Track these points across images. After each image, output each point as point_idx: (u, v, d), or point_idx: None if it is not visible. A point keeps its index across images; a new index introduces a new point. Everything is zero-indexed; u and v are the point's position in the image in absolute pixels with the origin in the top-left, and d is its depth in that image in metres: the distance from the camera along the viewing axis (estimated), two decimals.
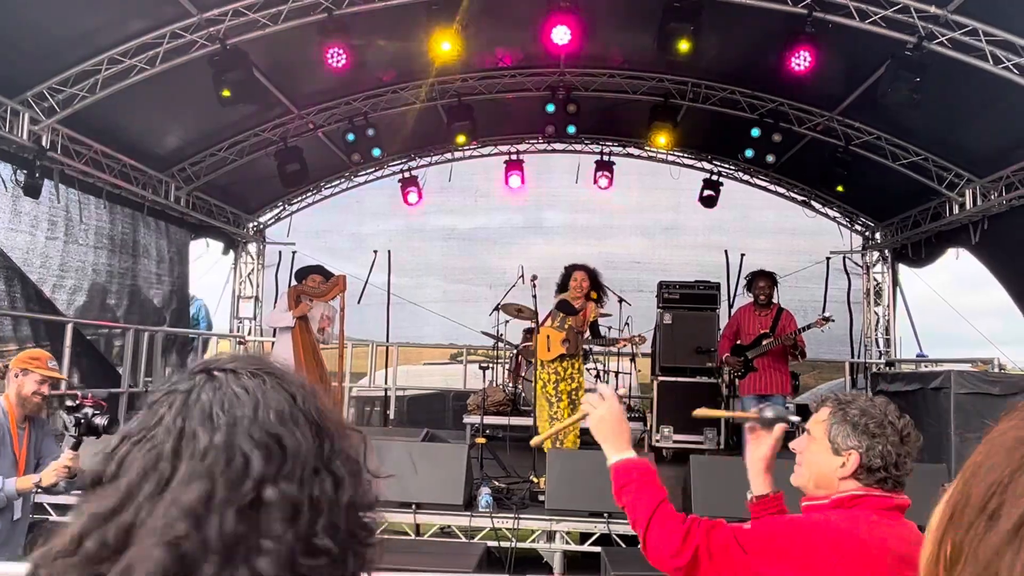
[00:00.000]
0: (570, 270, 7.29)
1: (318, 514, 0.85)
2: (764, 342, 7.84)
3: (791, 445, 2.34)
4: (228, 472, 0.83)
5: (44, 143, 7.81)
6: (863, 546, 1.94)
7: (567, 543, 5.65)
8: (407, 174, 12.40)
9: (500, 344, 9.74)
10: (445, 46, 7.69)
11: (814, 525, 2.02)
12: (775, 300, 8.24)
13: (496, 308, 9.34)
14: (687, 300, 9.33)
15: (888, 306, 12.29)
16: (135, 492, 0.82)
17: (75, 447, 3.59)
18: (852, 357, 12.30)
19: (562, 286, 7.29)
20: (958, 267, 10.02)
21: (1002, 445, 0.64)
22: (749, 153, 10.21)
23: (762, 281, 8.16)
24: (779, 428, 2.41)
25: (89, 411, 3.55)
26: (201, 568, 0.78)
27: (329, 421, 0.94)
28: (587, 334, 7.25)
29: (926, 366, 10.39)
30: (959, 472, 0.67)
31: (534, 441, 2.99)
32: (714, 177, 12.06)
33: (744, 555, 1.99)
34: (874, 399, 2.21)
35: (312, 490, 0.87)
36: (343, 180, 12.75)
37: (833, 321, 8.07)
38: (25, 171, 7.79)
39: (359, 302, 12.04)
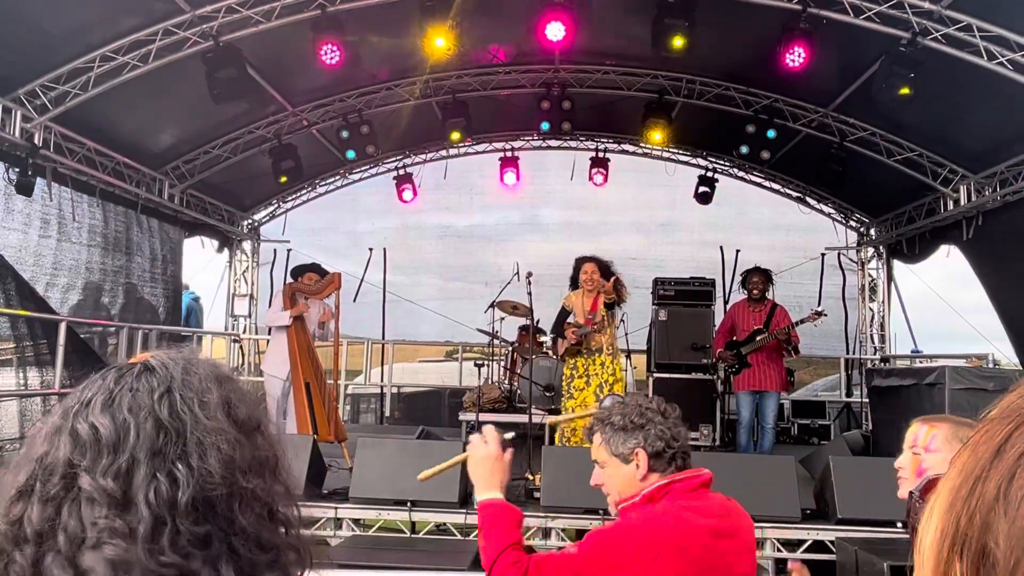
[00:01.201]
0: (579, 263, 7.27)
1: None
2: (758, 337, 7.86)
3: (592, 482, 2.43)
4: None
5: (37, 141, 7.77)
6: (676, 530, 2.07)
7: (563, 540, 5.65)
8: (402, 171, 12.38)
9: (496, 341, 9.74)
10: (439, 43, 7.67)
11: (631, 525, 2.15)
12: (769, 296, 8.26)
13: (491, 305, 9.34)
14: (682, 296, 9.32)
15: (883, 302, 12.31)
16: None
17: None
18: (847, 353, 12.33)
19: (573, 281, 7.28)
20: (953, 263, 10.04)
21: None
22: (744, 149, 10.21)
23: (755, 276, 8.20)
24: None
25: None
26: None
27: (257, 412, 0.94)
28: (600, 320, 7.12)
29: (921, 362, 10.40)
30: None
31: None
32: (709, 174, 12.06)
33: None
34: (625, 399, 2.39)
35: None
36: (338, 177, 12.72)
37: (826, 315, 8.10)
38: (17, 169, 7.75)
39: (355, 300, 12.03)
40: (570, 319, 7.21)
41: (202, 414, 0.89)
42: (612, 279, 6.99)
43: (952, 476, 0.64)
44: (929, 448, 2.36)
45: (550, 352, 8.36)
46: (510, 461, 2.44)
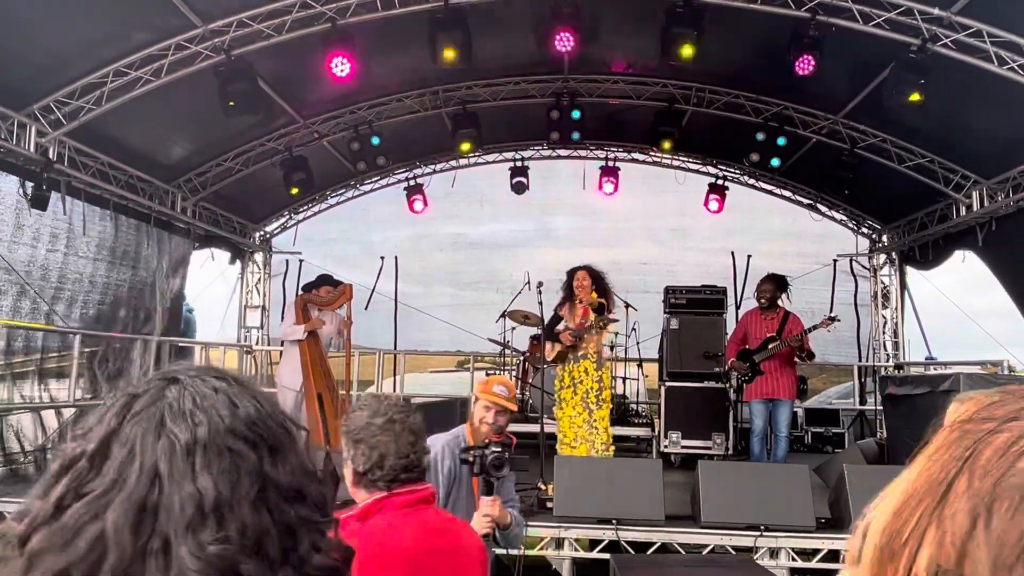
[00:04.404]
0: (572, 272, 7.28)
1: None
2: (770, 345, 7.83)
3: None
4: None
5: (51, 155, 7.84)
6: (381, 548, 2.04)
7: (576, 550, 5.64)
8: (412, 182, 12.42)
9: (507, 351, 9.74)
10: (449, 54, 7.71)
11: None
12: (781, 304, 8.22)
13: (503, 315, 9.35)
14: (694, 305, 9.31)
15: (896, 308, 12.24)
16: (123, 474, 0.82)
17: (487, 492, 3.22)
18: (860, 360, 12.26)
19: (567, 291, 7.28)
20: (966, 269, 9.98)
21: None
22: (754, 157, 10.20)
23: (764, 284, 8.18)
24: None
25: (495, 450, 3.19)
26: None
27: (289, 430, 0.94)
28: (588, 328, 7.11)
29: (935, 368, 10.34)
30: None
31: None
32: (719, 181, 12.05)
33: None
34: (368, 402, 2.30)
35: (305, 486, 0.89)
36: (349, 189, 12.77)
37: (839, 321, 8.06)
38: (32, 184, 7.82)
39: (366, 309, 12.06)
40: (561, 326, 7.22)
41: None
42: (600, 299, 7.02)
43: (902, 489, 0.63)
44: None
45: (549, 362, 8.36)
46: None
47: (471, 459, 3.19)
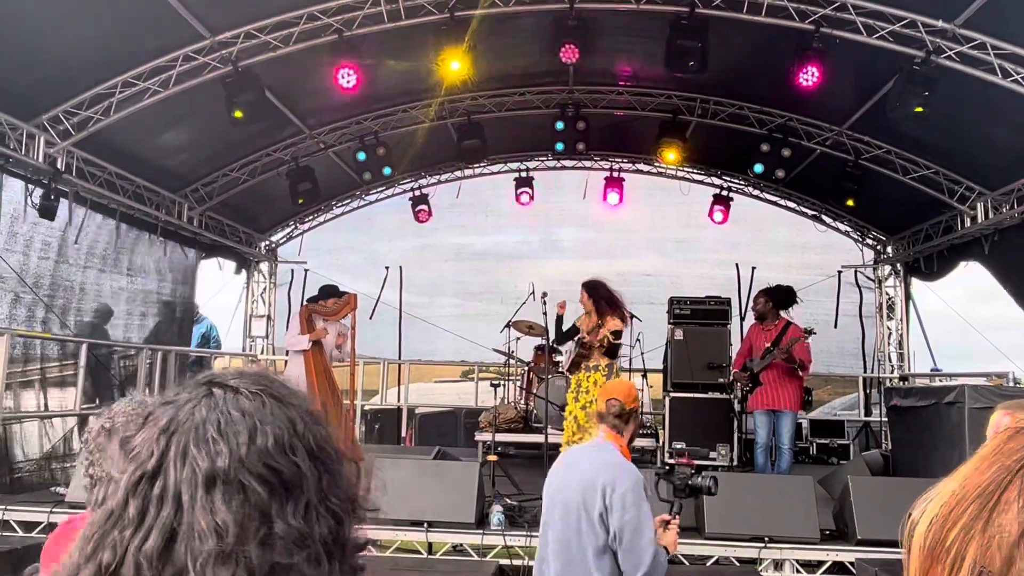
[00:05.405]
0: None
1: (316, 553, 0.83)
2: (766, 356, 7.89)
3: None
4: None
5: (59, 165, 7.90)
6: None
7: None
8: (418, 192, 12.47)
9: (511, 361, 9.74)
10: (454, 65, 7.75)
11: None
12: (785, 315, 8.26)
13: (507, 325, 9.36)
14: (698, 316, 9.31)
15: (901, 320, 12.22)
16: (119, 518, 0.81)
17: (676, 510, 3.43)
18: (865, 372, 12.24)
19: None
20: (972, 280, 9.98)
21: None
22: (758, 168, 10.21)
23: (758, 297, 8.30)
24: None
25: (687, 472, 3.43)
26: None
27: (328, 451, 0.90)
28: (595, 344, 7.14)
29: (940, 380, 10.31)
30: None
31: None
32: (724, 192, 12.06)
33: None
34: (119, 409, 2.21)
35: (313, 528, 0.84)
36: (354, 199, 12.82)
37: (815, 333, 8.07)
38: (41, 193, 7.86)
39: (371, 318, 12.09)
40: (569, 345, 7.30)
41: (325, 447, 0.91)
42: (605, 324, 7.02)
43: (953, 489, 0.64)
44: None
45: (565, 371, 8.38)
46: None
47: (679, 480, 3.37)
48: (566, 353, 7.32)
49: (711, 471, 3.28)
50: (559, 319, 7.49)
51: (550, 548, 3.38)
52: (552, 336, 7.59)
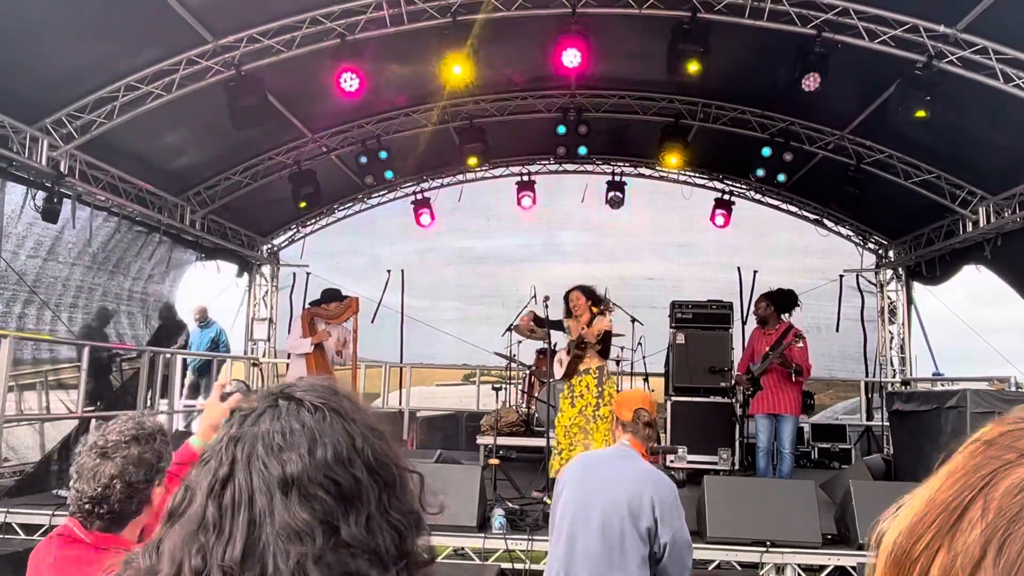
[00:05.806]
0: (567, 294, 7.33)
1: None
2: (765, 359, 7.90)
3: None
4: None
5: (63, 169, 7.91)
6: None
7: None
8: (419, 196, 12.48)
9: (513, 364, 9.75)
10: (456, 70, 7.76)
11: None
12: (786, 319, 8.27)
13: (509, 329, 9.36)
14: (700, 320, 9.31)
15: (903, 324, 12.21)
16: (200, 523, 0.83)
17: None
18: (867, 376, 12.23)
19: (567, 311, 7.33)
20: (973, 284, 9.98)
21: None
22: (760, 172, 10.23)
23: (760, 301, 8.30)
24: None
25: None
26: None
27: (389, 466, 0.92)
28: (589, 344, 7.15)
29: (942, 384, 10.30)
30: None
31: None
32: (726, 196, 12.07)
33: None
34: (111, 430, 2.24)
35: (376, 538, 0.86)
36: (356, 202, 12.84)
37: (803, 337, 8.08)
38: (44, 196, 7.88)
39: (372, 322, 12.10)
40: (563, 342, 7.32)
41: (387, 462, 0.93)
42: (598, 317, 7.04)
43: (916, 505, 0.64)
44: None
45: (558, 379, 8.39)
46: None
47: None
48: (558, 363, 7.31)
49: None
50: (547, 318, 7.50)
51: (579, 557, 3.24)
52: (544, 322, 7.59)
